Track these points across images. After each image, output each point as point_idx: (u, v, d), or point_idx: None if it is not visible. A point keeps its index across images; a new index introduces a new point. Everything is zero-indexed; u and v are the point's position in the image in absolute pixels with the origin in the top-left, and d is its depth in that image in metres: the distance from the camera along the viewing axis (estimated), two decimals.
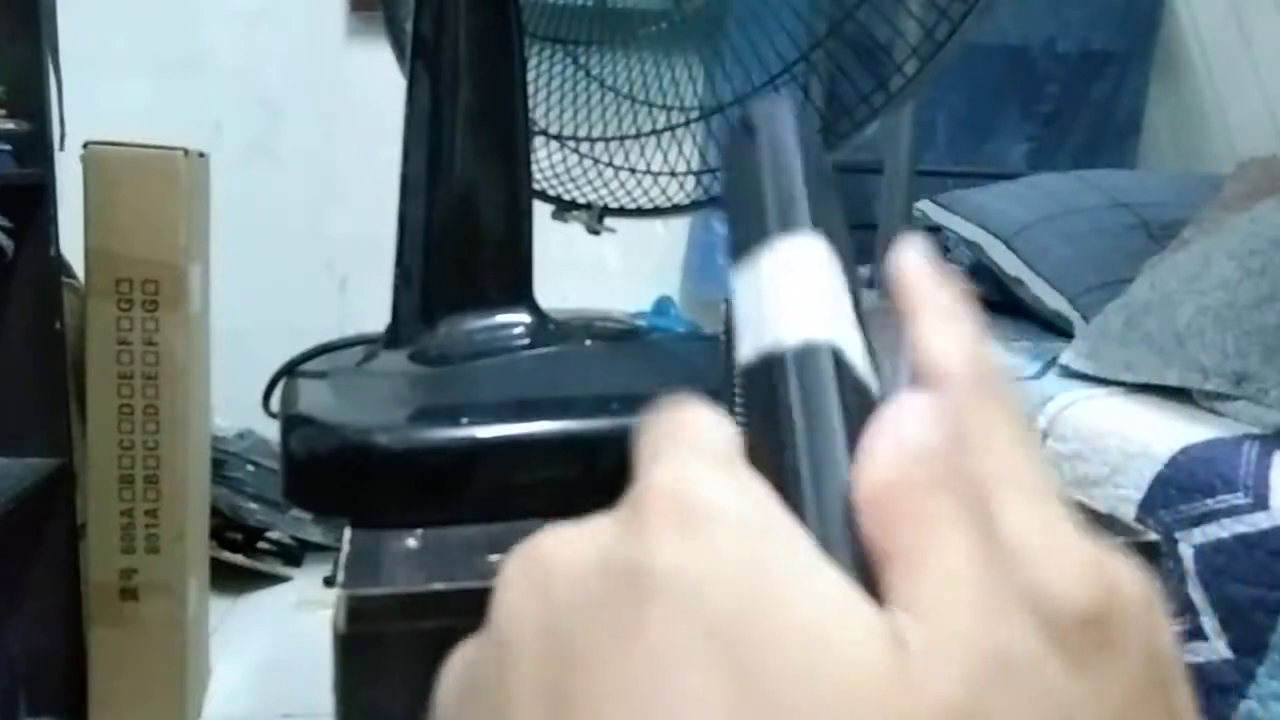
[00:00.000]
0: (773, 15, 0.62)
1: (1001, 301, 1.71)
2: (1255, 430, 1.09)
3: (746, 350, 0.17)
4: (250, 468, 1.86)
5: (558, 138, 0.73)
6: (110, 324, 1.27)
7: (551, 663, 0.14)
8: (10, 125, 1.18)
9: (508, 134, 0.57)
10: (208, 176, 1.41)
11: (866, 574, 0.14)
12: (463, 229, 0.56)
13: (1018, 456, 0.16)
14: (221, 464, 1.79)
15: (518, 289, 0.58)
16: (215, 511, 1.62)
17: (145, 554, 1.31)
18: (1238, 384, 1.14)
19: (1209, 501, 0.98)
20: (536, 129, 0.72)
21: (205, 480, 1.49)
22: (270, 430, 0.59)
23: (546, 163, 0.73)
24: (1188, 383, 1.18)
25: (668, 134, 0.70)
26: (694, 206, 0.71)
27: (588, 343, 0.57)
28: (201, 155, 1.37)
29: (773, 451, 0.16)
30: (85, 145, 1.26)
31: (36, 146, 1.20)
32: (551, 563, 0.15)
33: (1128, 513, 1.05)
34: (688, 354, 0.62)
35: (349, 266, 2.03)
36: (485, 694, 0.15)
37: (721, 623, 0.13)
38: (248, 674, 1.54)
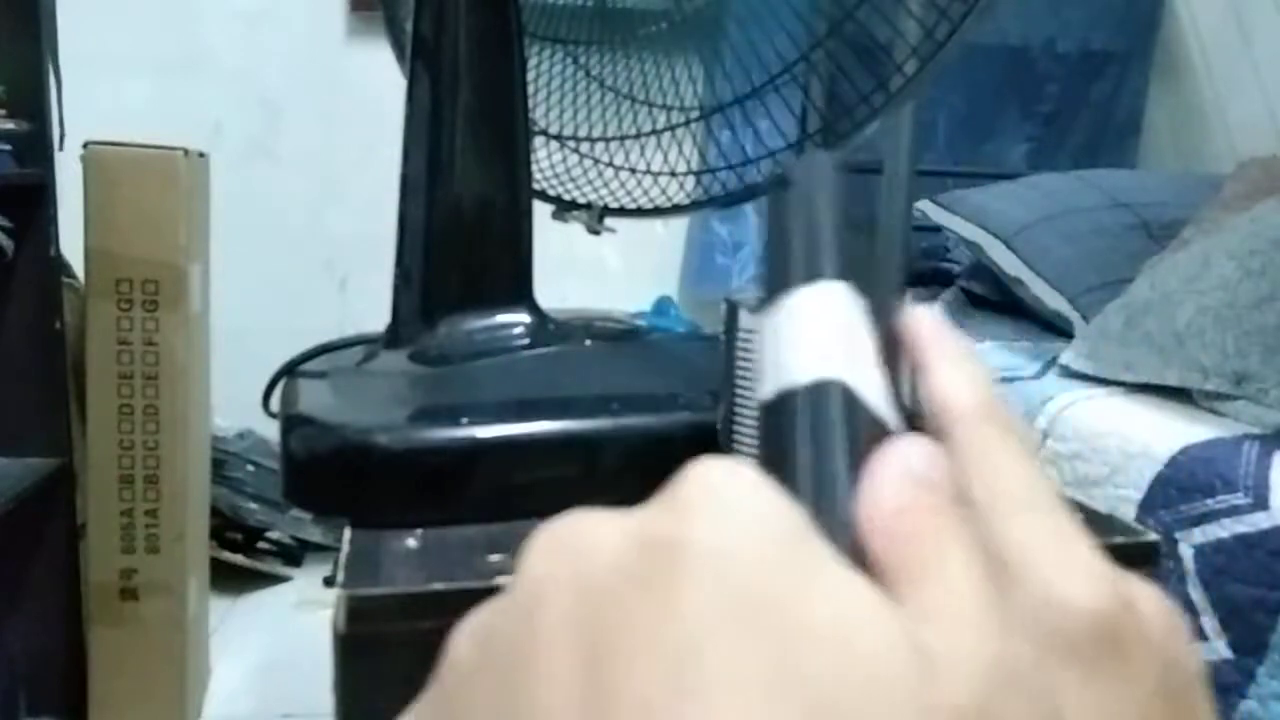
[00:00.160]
0: (772, 15, 0.62)
1: (1001, 301, 1.71)
2: (1255, 430, 1.09)
3: (766, 390, 0.18)
4: (250, 468, 1.86)
5: (558, 138, 0.73)
6: (110, 324, 1.27)
7: (585, 618, 0.14)
8: (10, 125, 1.18)
9: (508, 134, 0.57)
10: (208, 176, 1.41)
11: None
12: (463, 229, 0.56)
13: (1025, 478, 0.17)
14: (221, 464, 1.79)
15: (518, 289, 0.58)
16: (215, 511, 1.62)
17: (145, 554, 1.31)
18: (1238, 384, 1.14)
19: (1209, 501, 0.98)
20: (536, 129, 0.72)
21: (205, 480, 1.49)
22: (270, 430, 0.59)
23: (546, 163, 0.73)
24: (1188, 383, 1.18)
25: (668, 134, 0.70)
26: (694, 206, 0.71)
27: (588, 343, 0.57)
28: (201, 155, 1.37)
29: (783, 476, 0.16)
30: (85, 145, 1.26)
31: (36, 146, 1.20)
32: (585, 533, 0.15)
33: (1128, 513, 1.04)
34: (688, 354, 0.62)
35: (349, 266, 2.03)
36: (510, 648, 0.15)
37: (754, 603, 0.13)
38: (248, 674, 1.54)
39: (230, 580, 1.74)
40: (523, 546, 0.16)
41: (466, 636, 0.16)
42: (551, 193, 0.73)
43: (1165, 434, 1.09)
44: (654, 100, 0.70)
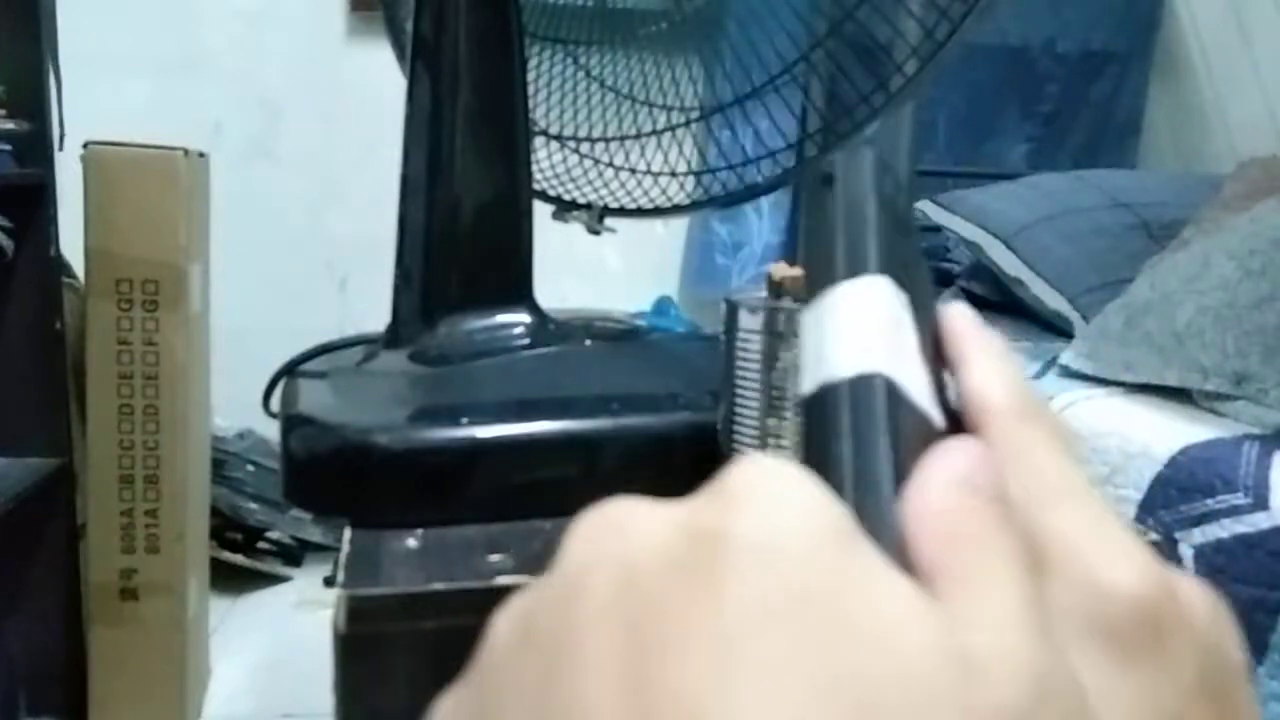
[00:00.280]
0: (772, 15, 0.62)
1: (1001, 301, 1.71)
2: (1255, 430, 1.09)
3: (807, 384, 0.18)
4: (250, 468, 1.86)
5: (558, 138, 0.73)
6: (110, 324, 1.27)
7: (628, 606, 0.14)
8: (10, 125, 1.18)
9: (508, 134, 0.57)
10: (208, 176, 1.41)
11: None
12: (463, 229, 0.56)
13: (1062, 471, 0.17)
14: (221, 464, 1.79)
15: (518, 289, 0.58)
16: (215, 511, 1.62)
17: (145, 554, 1.31)
18: (1238, 384, 1.14)
19: (1209, 501, 0.98)
20: (537, 129, 0.72)
21: (205, 480, 1.49)
22: (270, 430, 0.59)
23: (547, 163, 0.73)
24: (1188, 383, 1.18)
25: (668, 134, 0.70)
26: (694, 206, 0.71)
27: (588, 343, 0.57)
28: (201, 155, 1.37)
29: (826, 470, 0.16)
30: (85, 145, 1.26)
31: (36, 146, 1.20)
32: (631, 520, 0.15)
33: (1128, 513, 1.05)
34: (688, 354, 0.62)
35: (349, 266, 2.03)
36: (550, 634, 0.14)
37: (798, 598, 0.13)
38: (248, 674, 1.54)
39: (230, 580, 1.74)
40: (567, 530, 0.16)
41: (507, 621, 0.16)
42: (552, 193, 0.73)
43: (1165, 434, 1.09)
44: (654, 100, 0.70)
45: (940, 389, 0.18)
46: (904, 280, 0.19)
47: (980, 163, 2.17)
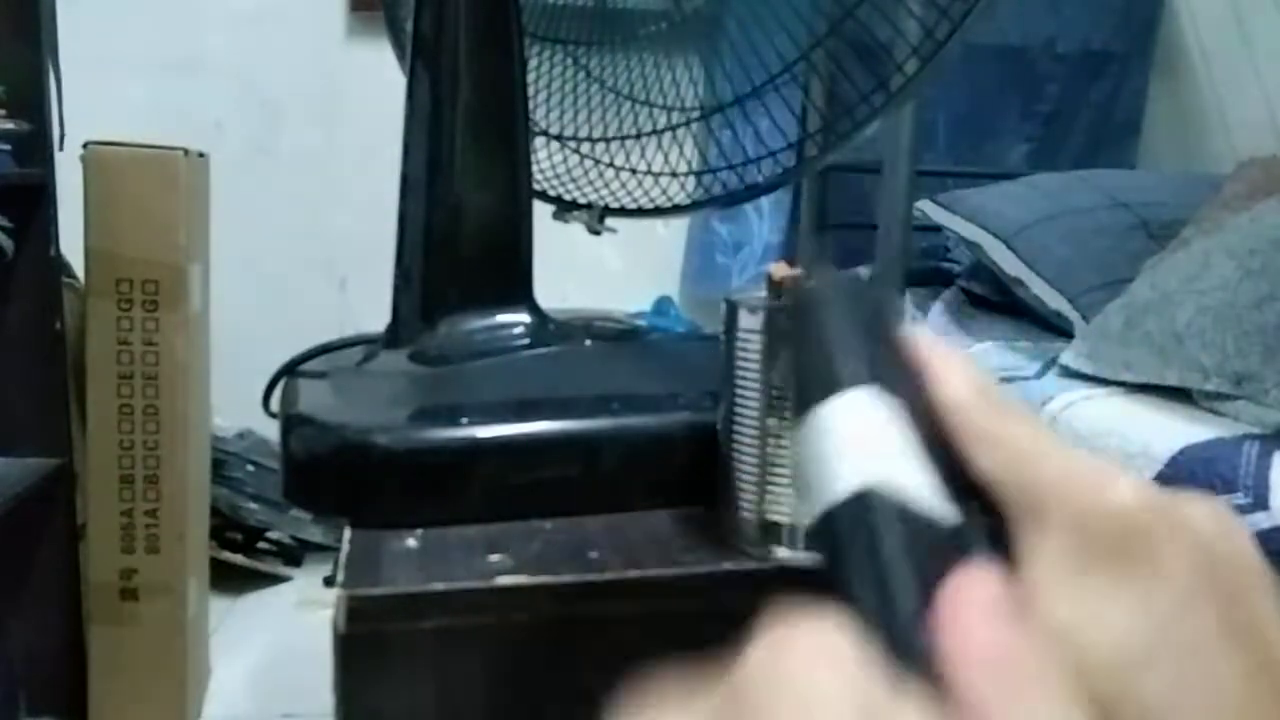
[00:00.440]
0: (772, 14, 0.62)
1: (1001, 301, 1.71)
2: (1255, 430, 1.08)
3: (811, 514, 0.18)
4: (250, 468, 1.86)
5: (558, 138, 0.73)
6: (110, 324, 1.27)
7: None
8: (10, 125, 1.18)
9: (508, 134, 0.57)
10: (208, 176, 1.41)
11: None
12: (463, 229, 0.56)
13: (1039, 436, 0.18)
14: (221, 464, 1.79)
15: (518, 289, 0.58)
16: (215, 511, 1.62)
17: (145, 554, 1.31)
18: (1238, 384, 1.14)
19: None
20: (537, 129, 0.72)
21: (205, 480, 1.49)
22: (270, 430, 0.59)
23: (547, 163, 0.73)
24: (1188, 383, 1.18)
25: (668, 134, 0.70)
26: (694, 206, 0.71)
27: (588, 343, 0.57)
28: (201, 155, 1.37)
29: (848, 599, 0.16)
30: (85, 145, 1.26)
31: (36, 146, 1.20)
32: None
33: None
34: (688, 354, 0.62)
35: (349, 266, 2.03)
36: None
37: None
38: (248, 674, 1.54)
39: (230, 580, 1.74)
40: None
41: None
42: (552, 193, 0.73)
43: (1165, 434, 1.09)
44: (654, 100, 0.70)
45: (952, 477, 0.18)
46: (893, 384, 0.19)
47: (980, 163, 2.17)
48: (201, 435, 1.44)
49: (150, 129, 1.33)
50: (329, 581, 1.79)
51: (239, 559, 1.78)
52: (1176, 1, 2.24)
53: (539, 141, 0.73)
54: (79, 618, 1.30)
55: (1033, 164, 2.18)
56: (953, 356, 0.20)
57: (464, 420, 0.46)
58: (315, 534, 1.87)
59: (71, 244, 1.27)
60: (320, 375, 0.55)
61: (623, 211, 0.72)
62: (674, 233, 2.18)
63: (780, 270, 0.42)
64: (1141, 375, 1.23)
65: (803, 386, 0.19)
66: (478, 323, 0.56)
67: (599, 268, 2.00)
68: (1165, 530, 0.15)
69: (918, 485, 0.17)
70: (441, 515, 0.44)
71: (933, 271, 1.93)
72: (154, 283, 1.27)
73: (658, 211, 0.71)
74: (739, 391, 0.42)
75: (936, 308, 1.75)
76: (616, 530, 0.44)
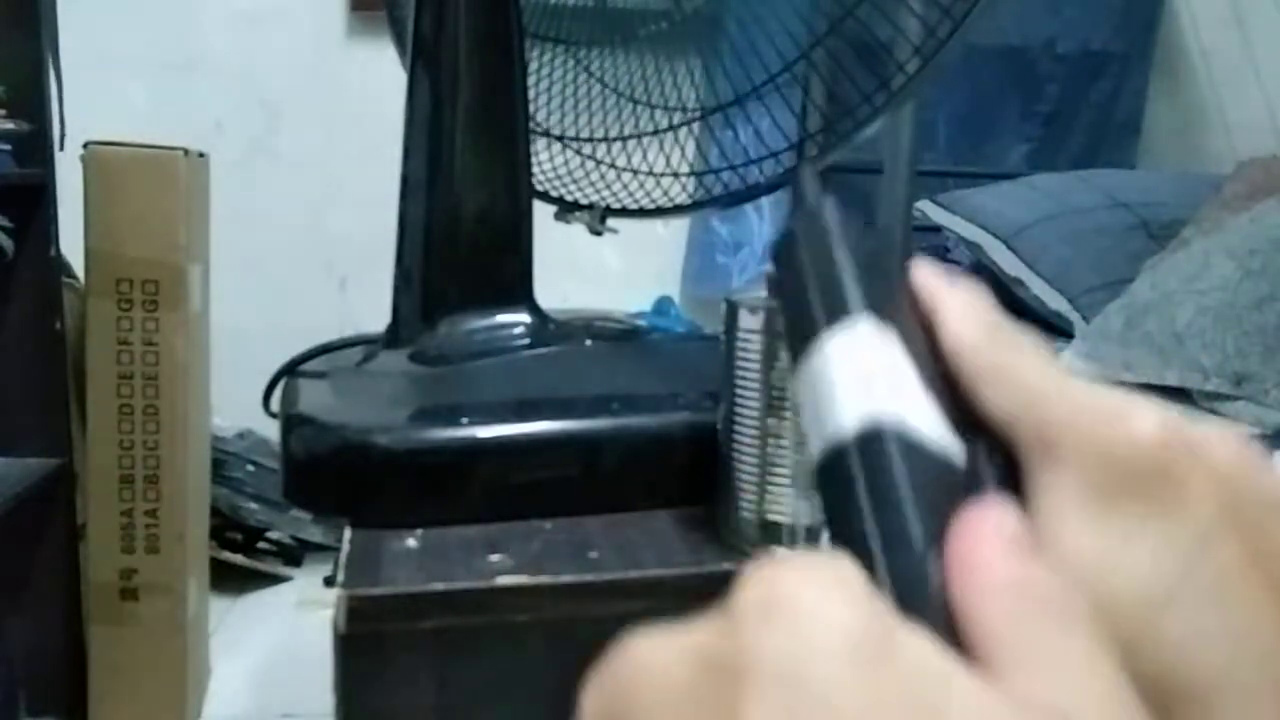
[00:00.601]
0: (772, 14, 0.62)
1: (1001, 301, 1.70)
2: (1255, 430, 1.08)
3: (815, 451, 0.17)
4: (250, 468, 1.86)
5: (559, 138, 0.73)
6: (110, 324, 1.27)
7: None
8: (10, 125, 1.18)
9: (508, 134, 0.57)
10: (208, 176, 1.41)
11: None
12: (463, 229, 0.56)
13: (1050, 371, 0.17)
14: (221, 464, 1.79)
15: (518, 289, 0.58)
16: (215, 511, 1.62)
17: (145, 554, 1.31)
18: (1238, 384, 1.14)
19: None
20: (538, 129, 0.72)
21: (205, 480, 1.49)
22: (270, 430, 0.59)
23: (549, 164, 0.73)
24: (1188, 383, 1.18)
25: (668, 134, 0.70)
26: (694, 206, 0.71)
27: (588, 343, 0.57)
28: (201, 155, 1.37)
29: (852, 538, 0.15)
30: (85, 145, 1.26)
31: (36, 146, 1.20)
32: (636, 663, 0.14)
33: None
34: (688, 354, 0.62)
35: (349, 266, 2.03)
36: None
37: (832, 710, 0.12)
38: (248, 674, 1.54)
39: (230, 580, 1.74)
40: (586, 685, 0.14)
41: None
42: (553, 194, 0.73)
43: None
44: (655, 100, 0.70)
45: (956, 409, 0.17)
46: (891, 314, 0.18)
47: (980, 163, 2.17)
48: (201, 435, 1.44)
49: (150, 129, 1.33)
50: (329, 581, 1.79)
51: (239, 559, 1.78)
52: (1176, 1, 2.24)
53: (541, 142, 0.73)
54: (79, 618, 1.30)
55: (1033, 164, 2.17)
56: (960, 292, 0.19)
57: (464, 420, 0.46)
58: (315, 534, 1.87)
59: (71, 244, 1.27)
60: (320, 375, 0.55)
61: (623, 212, 0.72)
62: (674, 233, 2.18)
63: None
64: (1142, 375, 1.23)
65: (802, 319, 0.18)
66: (478, 323, 0.56)
67: (599, 268, 2.00)
68: (1188, 465, 0.15)
69: (927, 422, 0.16)
70: (441, 515, 0.44)
71: None
72: (154, 283, 1.27)
73: (658, 212, 0.71)
74: (739, 391, 0.42)
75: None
76: (616, 530, 0.44)
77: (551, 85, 0.73)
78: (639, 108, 0.70)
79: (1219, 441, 0.16)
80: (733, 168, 0.67)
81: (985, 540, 0.14)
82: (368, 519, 0.44)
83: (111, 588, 1.31)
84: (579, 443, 0.47)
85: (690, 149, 0.71)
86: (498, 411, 0.47)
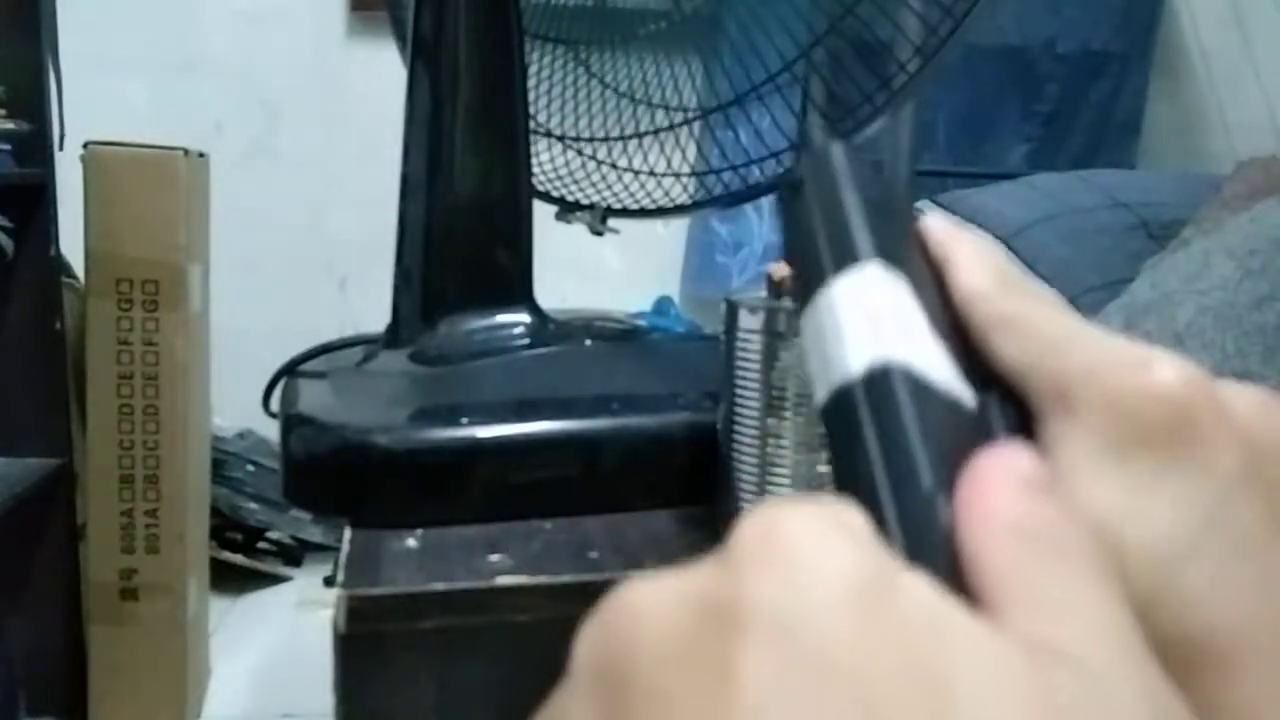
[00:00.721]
0: (772, 13, 0.62)
1: None
2: None
3: (820, 395, 0.17)
4: (250, 468, 1.86)
5: (560, 138, 0.73)
6: (110, 324, 1.27)
7: (631, 706, 0.12)
8: (10, 125, 1.18)
9: (508, 134, 0.57)
10: (208, 176, 1.41)
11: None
12: (463, 229, 0.56)
13: (1065, 320, 0.16)
14: (221, 464, 1.79)
15: (518, 289, 0.58)
16: (215, 511, 1.62)
17: (145, 554, 1.31)
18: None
19: None
20: (540, 130, 0.72)
21: (205, 480, 1.49)
22: (270, 430, 0.59)
23: (549, 164, 0.73)
24: None
25: (668, 133, 0.70)
26: (695, 206, 0.71)
27: (588, 343, 0.57)
28: (201, 155, 1.37)
29: (858, 481, 0.15)
30: (85, 145, 1.26)
31: (36, 146, 1.20)
32: (629, 608, 0.13)
33: None
34: (688, 354, 0.62)
35: (349, 266, 2.03)
36: None
37: (827, 672, 0.11)
38: (248, 674, 1.54)
39: (230, 580, 1.74)
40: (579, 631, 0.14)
41: None
42: (554, 194, 0.73)
43: None
44: (654, 100, 0.70)
45: (966, 351, 0.17)
46: (900, 259, 0.17)
47: (980, 163, 2.17)
48: (201, 435, 1.44)
49: (150, 129, 1.33)
50: (329, 581, 1.79)
51: (239, 559, 1.78)
52: (1176, 1, 2.24)
53: (541, 143, 0.73)
54: (79, 618, 1.30)
55: (1033, 164, 2.17)
56: (971, 241, 0.18)
57: (464, 420, 0.46)
58: (315, 534, 1.87)
59: (71, 244, 1.27)
60: (320, 375, 0.55)
61: (624, 212, 0.72)
62: (674, 233, 2.18)
63: (780, 270, 0.42)
64: None
65: (809, 264, 0.18)
66: (478, 323, 0.56)
67: (599, 268, 2.00)
68: (1211, 416, 0.14)
69: (937, 365, 0.16)
70: (441, 515, 0.44)
71: None
72: (154, 283, 1.27)
73: (659, 212, 0.71)
74: (739, 391, 0.42)
75: None
76: (616, 530, 0.44)
77: (552, 85, 0.73)
78: (639, 107, 0.70)
79: (1242, 393, 0.15)
80: (733, 168, 0.67)
81: (996, 483, 0.14)
82: (368, 519, 0.44)
83: (111, 588, 1.31)
84: (579, 443, 0.47)
85: (690, 149, 0.71)
86: (498, 411, 0.47)
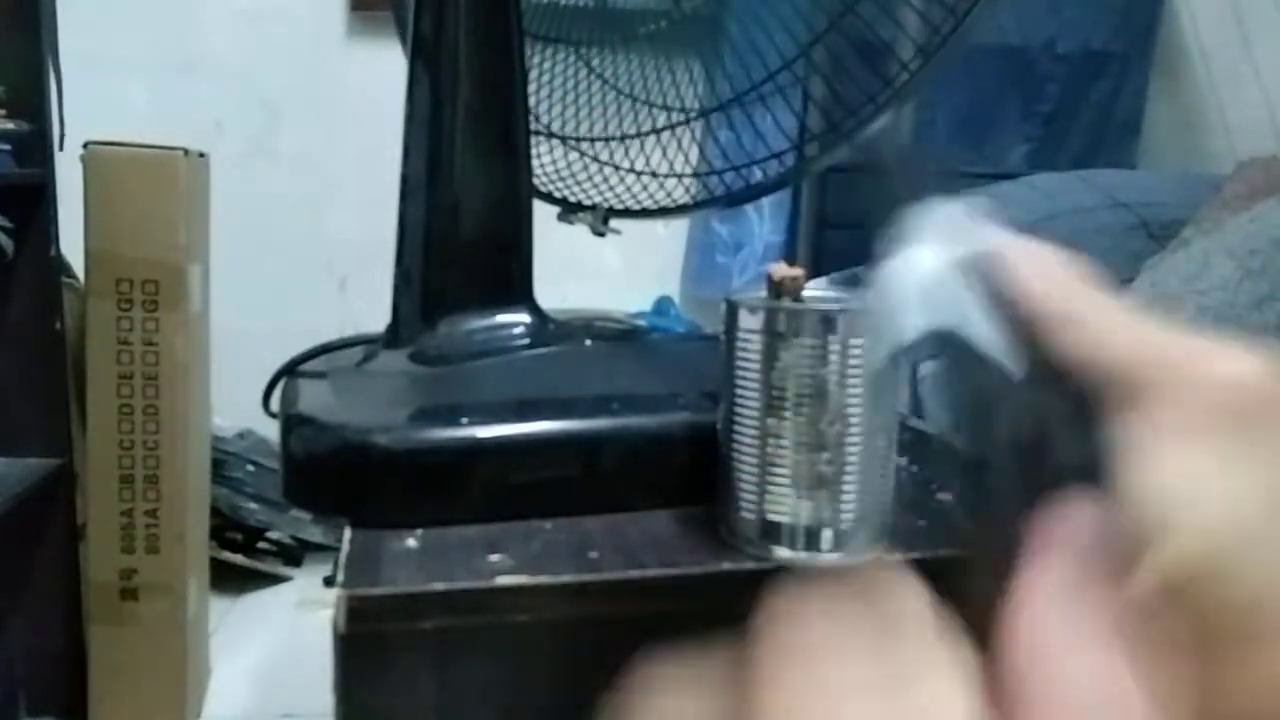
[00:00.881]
0: (772, 13, 0.62)
1: None
2: None
3: (881, 355, 0.19)
4: (250, 468, 1.86)
5: (561, 138, 0.73)
6: (110, 324, 1.27)
7: None
8: (10, 125, 1.18)
9: (508, 134, 0.57)
10: (208, 176, 1.41)
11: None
12: (463, 229, 0.56)
13: (1133, 317, 0.18)
14: (221, 464, 1.79)
15: (518, 289, 0.58)
16: (215, 511, 1.62)
17: (145, 554, 1.31)
18: None
19: None
20: (541, 130, 0.72)
21: (205, 480, 1.49)
22: (270, 430, 0.59)
23: (550, 165, 0.73)
24: None
25: (668, 133, 0.70)
26: (696, 206, 0.71)
27: (588, 343, 0.57)
28: (201, 155, 1.37)
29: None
30: (85, 145, 1.26)
31: (36, 146, 1.20)
32: None
33: None
34: (688, 354, 0.62)
35: (349, 266, 2.03)
36: None
37: None
38: (248, 674, 1.54)
39: (230, 580, 1.74)
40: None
41: None
42: (556, 194, 0.73)
43: None
44: (654, 100, 0.70)
45: (1019, 336, 0.18)
46: (960, 241, 0.19)
47: (980, 163, 2.17)
48: (201, 435, 1.44)
49: (150, 129, 1.33)
50: (329, 581, 1.79)
51: (239, 559, 1.78)
52: (1176, 1, 2.24)
53: (543, 144, 0.73)
54: (79, 618, 1.30)
55: (1033, 164, 2.18)
56: (1032, 246, 0.20)
57: (464, 420, 0.46)
58: (315, 534, 1.87)
59: (71, 244, 1.27)
60: (320, 375, 0.55)
61: (625, 212, 0.72)
62: (674, 233, 2.18)
63: (780, 270, 0.42)
64: None
65: (875, 243, 0.20)
66: (478, 323, 0.56)
67: (599, 268, 2.00)
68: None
69: (990, 340, 0.17)
70: (441, 515, 0.44)
71: None
72: (154, 283, 1.27)
73: (660, 212, 0.71)
74: (739, 391, 0.42)
75: None
76: (616, 530, 0.44)
77: (553, 85, 0.73)
78: (639, 107, 0.70)
79: None
80: (735, 169, 0.67)
81: (1043, 618, 0.15)
82: (368, 519, 0.44)
83: (111, 588, 1.31)
84: (579, 443, 0.46)
85: (691, 149, 0.71)
86: (498, 411, 0.47)
